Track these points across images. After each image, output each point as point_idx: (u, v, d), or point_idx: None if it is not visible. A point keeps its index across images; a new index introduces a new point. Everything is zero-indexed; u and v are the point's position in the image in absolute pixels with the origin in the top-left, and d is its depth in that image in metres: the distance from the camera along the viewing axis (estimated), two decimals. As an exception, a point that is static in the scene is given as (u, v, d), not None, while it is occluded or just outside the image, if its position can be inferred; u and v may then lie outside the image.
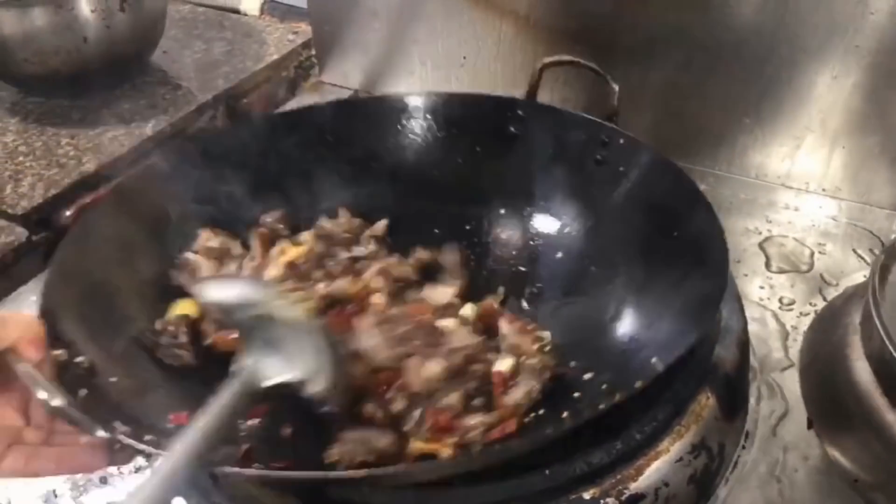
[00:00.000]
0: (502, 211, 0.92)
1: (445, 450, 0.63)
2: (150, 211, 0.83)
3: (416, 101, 0.94)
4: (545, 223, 0.90)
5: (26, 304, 0.87)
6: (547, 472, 0.61)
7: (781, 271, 0.96)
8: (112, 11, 1.15)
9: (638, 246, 0.80)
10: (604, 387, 0.68)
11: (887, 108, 0.98)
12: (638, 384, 0.59)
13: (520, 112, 0.92)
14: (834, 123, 1.01)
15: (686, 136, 1.09)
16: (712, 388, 0.70)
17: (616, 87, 0.90)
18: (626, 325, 0.76)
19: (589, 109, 0.94)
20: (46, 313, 0.65)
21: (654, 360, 0.63)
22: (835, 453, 0.73)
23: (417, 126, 0.94)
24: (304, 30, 1.40)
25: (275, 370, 0.60)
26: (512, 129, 0.92)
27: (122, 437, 0.54)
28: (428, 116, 0.94)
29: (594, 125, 0.88)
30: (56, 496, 0.71)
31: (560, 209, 0.89)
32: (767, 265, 0.97)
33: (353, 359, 0.68)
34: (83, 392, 0.59)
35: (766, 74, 1.01)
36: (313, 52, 1.37)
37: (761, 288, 0.93)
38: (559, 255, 0.87)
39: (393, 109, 0.94)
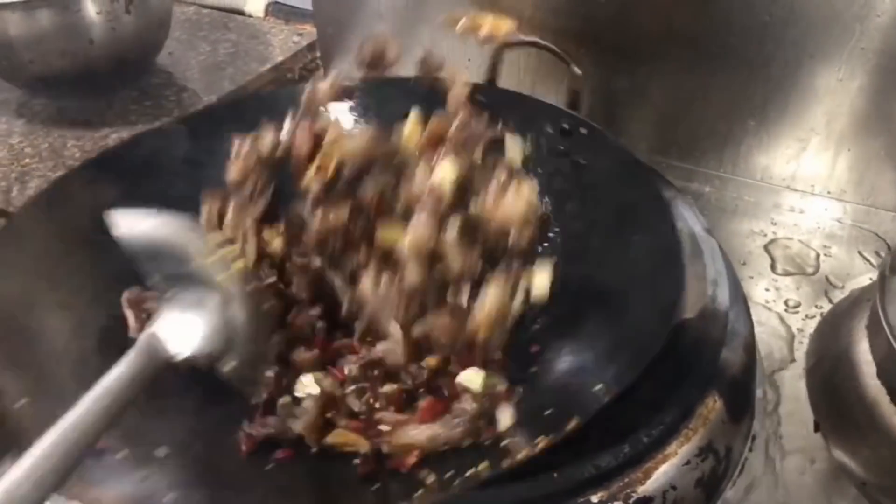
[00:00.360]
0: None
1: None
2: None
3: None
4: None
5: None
6: (555, 475, 0.61)
7: (787, 274, 0.96)
8: (118, 13, 1.15)
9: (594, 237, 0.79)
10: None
11: (893, 111, 0.98)
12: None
13: (480, 98, 0.87)
14: (839, 126, 1.01)
15: (691, 138, 1.09)
16: (719, 391, 0.70)
17: (579, 72, 0.86)
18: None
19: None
20: None
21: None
22: (841, 456, 0.73)
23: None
24: (309, 31, 1.40)
25: (187, 342, 0.53)
26: None
27: None
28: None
29: (555, 112, 0.86)
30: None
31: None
32: (773, 267, 0.97)
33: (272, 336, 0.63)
34: None
35: (771, 76, 1.01)
36: (318, 53, 1.37)
37: (767, 290, 0.93)
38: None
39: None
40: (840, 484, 0.72)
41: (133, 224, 0.55)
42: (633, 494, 0.62)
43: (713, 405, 0.68)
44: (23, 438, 0.50)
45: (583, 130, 0.83)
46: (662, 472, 0.64)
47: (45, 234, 0.74)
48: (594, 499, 0.61)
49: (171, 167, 0.84)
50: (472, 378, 0.66)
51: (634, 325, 0.67)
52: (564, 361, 0.70)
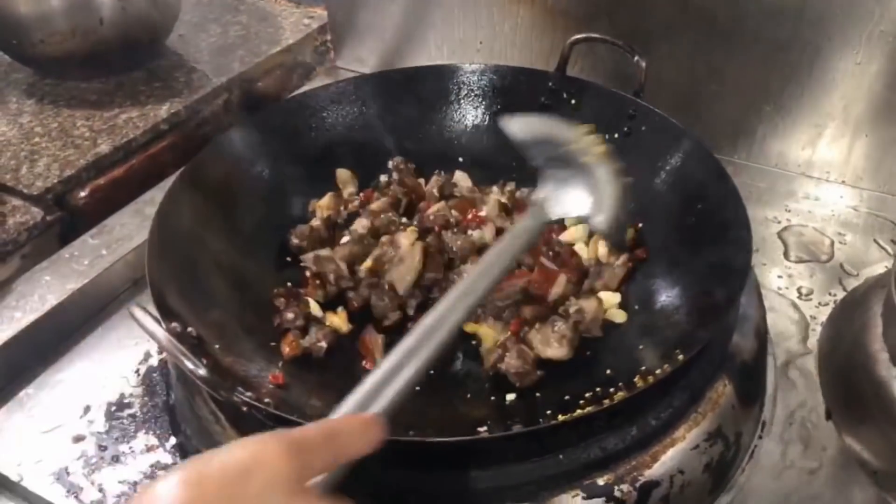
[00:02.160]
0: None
1: None
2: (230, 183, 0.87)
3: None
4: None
5: (41, 284, 0.88)
6: (561, 456, 0.60)
7: (801, 261, 0.95)
8: (128, -7, 1.15)
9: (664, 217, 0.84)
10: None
11: (912, 96, 0.96)
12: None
13: (551, 84, 0.96)
14: (856, 111, 0.99)
15: (706, 124, 1.07)
16: (729, 376, 0.69)
17: (644, 64, 0.90)
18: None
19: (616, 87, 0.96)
20: (155, 288, 0.67)
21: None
22: (853, 444, 0.72)
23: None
24: (320, 14, 1.39)
25: (563, 206, 0.69)
26: (543, 100, 0.96)
27: (245, 400, 0.58)
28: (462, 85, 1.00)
29: (621, 99, 0.91)
30: (68, 473, 0.71)
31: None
32: (786, 255, 0.96)
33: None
34: (207, 361, 0.61)
35: (788, 60, 0.99)
36: (329, 36, 1.36)
37: (780, 277, 0.92)
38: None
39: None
40: (851, 472, 0.71)
41: (520, 123, 0.73)
42: (640, 478, 0.61)
43: (723, 390, 0.68)
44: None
45: (647, 115, 0.90)
46: (670, 455, 0.63)
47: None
48: (600, 481, 0.60)
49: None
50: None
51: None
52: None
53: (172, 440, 0.74)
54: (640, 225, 0.85)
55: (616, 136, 0.90)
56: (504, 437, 0.59)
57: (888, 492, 0.69)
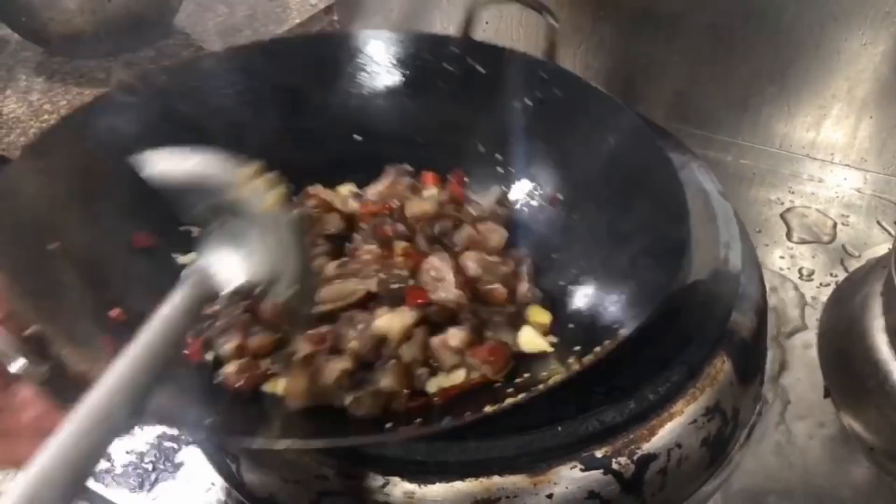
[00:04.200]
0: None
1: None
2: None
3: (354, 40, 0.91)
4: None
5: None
6: (559, 428, 0.61)
7: (803, 242, 0.95)
8: (136, -28, 1.15)
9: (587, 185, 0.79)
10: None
11: (918, 78, 0.96)
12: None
13: (454, 49, 0.89)
14: (861, 93, 0.99)
15: (710, 105, 1.08)
16: (728, 353, 0.69)
17: (556, 25, 0.87)
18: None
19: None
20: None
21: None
22: (850, 422, 0.73)
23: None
24: (327, -6, 1.39)
25: (235, 272, 0.52)
26: (447, 66, 0.89)
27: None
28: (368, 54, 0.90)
29: (531, 62, 0.86)
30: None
31: (503, 150, 0.88)
32: (789, 235, 0.96)
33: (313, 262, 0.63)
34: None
35: (793, 41, 0.99)
36: (335, 16, 1.36)
37: (782, 258, 0.92)
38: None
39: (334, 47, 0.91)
40: (848, 449, 0.72)
41: (166, 163, 0.54)
42: (638, 451, 0.62)
43: (721, 366, 0.68)
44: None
45: (559, 77, 0.84)
46: (668, 429, 0.63)
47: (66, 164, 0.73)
48: (598, 454, 0.61)
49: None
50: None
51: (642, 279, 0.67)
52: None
53: (179, 412, 0.75)
54: (560, 196, 0.82)
55: (529, 102, 0.85)
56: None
57: (884, 468, 0.70)
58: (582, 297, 0.73)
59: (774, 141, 1.08)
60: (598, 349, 0.59)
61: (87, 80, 1.18)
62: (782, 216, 0.99)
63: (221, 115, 0.83)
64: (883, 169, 1.03)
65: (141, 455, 0.72)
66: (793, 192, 1.03)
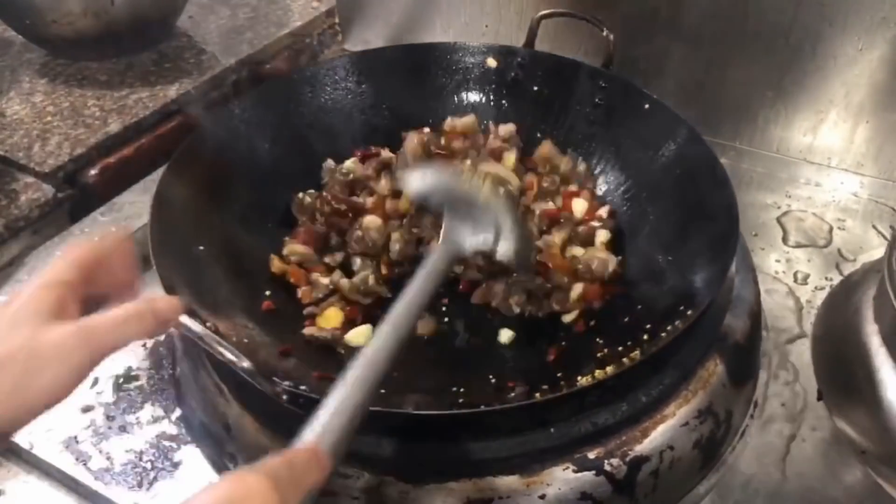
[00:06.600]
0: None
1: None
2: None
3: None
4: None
5: (52, 258, 0.90)
6: (552, 430, 0.62)
7: (799, 246, 0.96)
8: (139, -26, 1.16)
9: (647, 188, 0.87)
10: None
11: (914, 83, 0.96)
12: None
13: (520, 59, 0.98)
14: (858, 97, 1.00)
15: (707, 109, 1.08)
16: (721, 355, 0.70)
17: (612, 38, 0.93)
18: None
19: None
20: (166, 285, 0.66)
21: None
22: (843, 425, 0.73)
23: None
24: (328, -3, 1.40)
25: (472, 240, 0.71)
26: (513, 74, 0.98)
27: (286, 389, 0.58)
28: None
29: (591, 70, 0.93)
30: (77, 442, 0.74)
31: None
32: (785, 239, 0.97)
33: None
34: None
35: (790, 46, 0.99)
36: (336, 19, 1.37)
37: (777, 262, 0.93)
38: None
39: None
40: (840, 452, 0.72)
41: (416, 177, 0.77)
42: (630, 452, 0.63)
43: (714, 369, 0.69)
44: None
45: (618, 85, 0.93)
46: (660, 431, 0.64)
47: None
48: (591, 455, 0.62)
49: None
50: None
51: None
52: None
53: (177, 411, 0.76)
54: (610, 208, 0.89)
55: (587, 108, 0.93)
56: (500, 410, 0.61)
57: (876, 471, 0.70)
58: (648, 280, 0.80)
59: (772, 145, 1.09)
60: (670, 327, 0.66)
61: (90, 82, 1.19)
62: (779, 220, 0.99)
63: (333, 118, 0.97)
64: (879, 173, 1.04)
65: (140, 454, 0.73)
66: (789, 196, 1.03)
